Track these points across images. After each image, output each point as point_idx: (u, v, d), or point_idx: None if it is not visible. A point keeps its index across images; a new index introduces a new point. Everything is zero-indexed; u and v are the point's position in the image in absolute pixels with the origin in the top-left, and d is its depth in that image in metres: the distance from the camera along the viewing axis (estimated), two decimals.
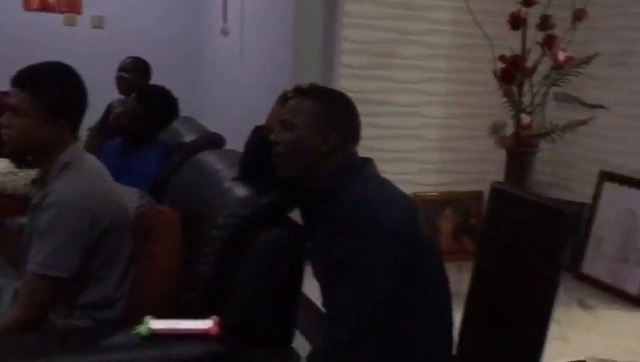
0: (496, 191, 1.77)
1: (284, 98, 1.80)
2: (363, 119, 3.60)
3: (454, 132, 3.73)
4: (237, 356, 1.79)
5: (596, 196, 3.55)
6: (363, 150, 1.68)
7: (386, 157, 3.48)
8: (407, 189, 3.77)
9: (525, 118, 3.01)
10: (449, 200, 3.71)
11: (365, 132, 3.53)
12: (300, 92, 1.70)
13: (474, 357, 1.77)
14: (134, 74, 4.82)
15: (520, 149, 3.07)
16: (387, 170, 1.59)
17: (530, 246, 1.60)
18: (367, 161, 1.67)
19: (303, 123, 1.64)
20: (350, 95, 3.51)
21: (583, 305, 3.23)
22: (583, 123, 3.05)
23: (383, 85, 3.56)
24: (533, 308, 1.58)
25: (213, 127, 4.31)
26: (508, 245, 1.69)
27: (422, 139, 3.72)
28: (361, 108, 3.63)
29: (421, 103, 3.67)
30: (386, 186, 1.61)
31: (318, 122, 1.63)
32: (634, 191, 3.37)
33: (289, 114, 1.66)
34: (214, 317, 1.82)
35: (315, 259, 1.74)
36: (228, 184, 2.00)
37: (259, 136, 1.86)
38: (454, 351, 1.74)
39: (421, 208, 3.73)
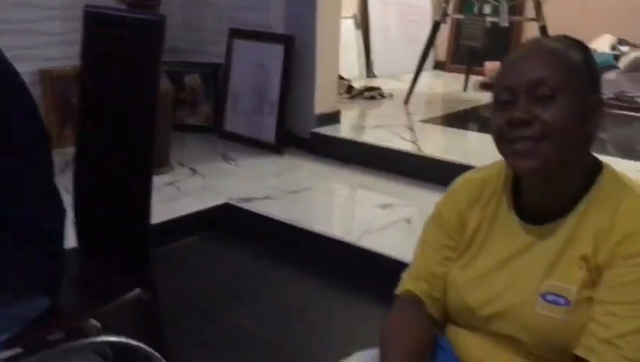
0: (88, 14, 1.61)
1: None
2: None
3: None
4: None
5: (228, 54, 3.65)
6: None
7: (1, 30, 3.08)
8: (32, 66, 3.44)
9: None
10: None
11: None
12: None
13: (89, 206, 1.65)
14: None
15: (141, 3, 2.94)
16: (3, 44, 1.30)
17: (130, 62, 1.50)
18: None
19: None
20: None
21: (226, 158, 3.37)
22: None
23: None
24: (140, 126, 1.50)
25: None
26: (108, 69, 1.56)
27: (43, 8, 3.34)
28: None
29: None
30: None
31: None
32: (261, 44, 3.53)
33: None
34: None
35: None
36: None
37: None
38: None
39: (51, 86, 3.43)
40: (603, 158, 1.07)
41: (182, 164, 3.20)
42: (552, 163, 0.97)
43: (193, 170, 3.15)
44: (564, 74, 0.97)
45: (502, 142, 1.00)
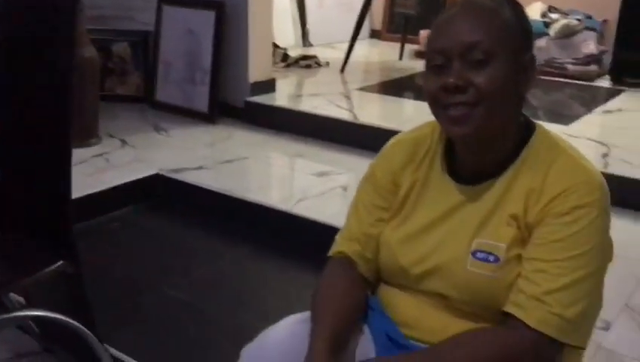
0: None
1: None
2: None
3: None
4: None
5: (158, 21, 3.52)
6: None
7: None
8: None
9: None
10: None
11: None
12: None
13: (6, 180, 1.55)
14: None
15: None
16: None
17: (43, 26, 1.41)
18: None
19: None
20: None
21: (158, 129, 3.27)
22: None
23: None
24: (56, 94, 1.41)
25: None
26: (20, 35, 1.46)
27: None
28: None
29: None
30: None
31: None
32: (191, 11, 3.42)
33: None
34: None
35: None
36: None
37: None
38: None
39: None
40: None
41: (111, 136, 3.09)
42: (486, 127, 0.96)
43: (123, 142, 3.04)
44: (497, 36, 0.95)
45: (436, 107, 0.99)
